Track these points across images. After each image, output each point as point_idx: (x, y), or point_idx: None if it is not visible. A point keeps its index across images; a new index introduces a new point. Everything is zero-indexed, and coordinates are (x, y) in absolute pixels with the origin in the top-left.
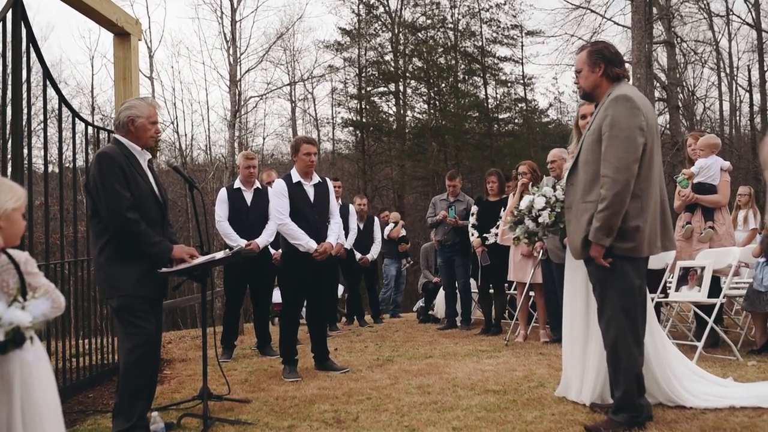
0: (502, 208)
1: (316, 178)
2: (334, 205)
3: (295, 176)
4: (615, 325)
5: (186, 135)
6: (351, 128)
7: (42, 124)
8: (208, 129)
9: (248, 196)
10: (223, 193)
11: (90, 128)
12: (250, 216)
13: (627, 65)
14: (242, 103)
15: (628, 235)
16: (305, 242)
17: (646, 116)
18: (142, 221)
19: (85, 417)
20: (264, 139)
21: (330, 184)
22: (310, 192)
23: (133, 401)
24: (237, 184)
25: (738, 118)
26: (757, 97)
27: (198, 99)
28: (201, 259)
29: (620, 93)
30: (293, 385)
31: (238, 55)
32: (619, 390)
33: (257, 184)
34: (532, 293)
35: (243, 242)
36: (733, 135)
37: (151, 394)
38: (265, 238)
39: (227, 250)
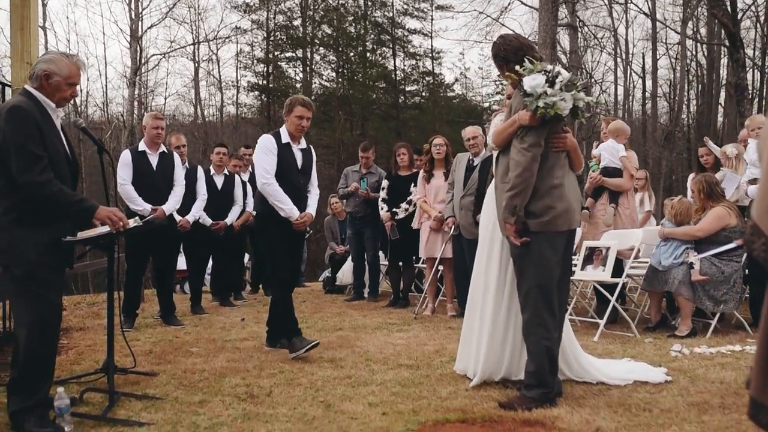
0: (413, 183)
1: (303, 143)
2: (315, 175)
3: (285, 136)
4: (530, 300)
5: (81, 90)
6: (256, 93)
7: None
8: (106, 86)
9: (153, 160)
10: (126, 155)
11: None
12: (155, 180)
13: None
14: (143, 60)
15: (540, 211)
16: (289, 209)
17: None
18: (57, 181)
19: None
20: (165, 99)
21: (313, 151)
22: (299, 156)
23: (37, 377)
24: (142, 146)
25: (631, 102)
26: (649, 83)
27: (95, 53)
28: (107, 227)
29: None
30: (201, 357)
31: (140, 9)
32: (532, 365)
33: (163, 148)
34: (441, 267)
35: (148, 207)
36: (626, 119)
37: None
38: (171, 205)
39: (137, 218)
